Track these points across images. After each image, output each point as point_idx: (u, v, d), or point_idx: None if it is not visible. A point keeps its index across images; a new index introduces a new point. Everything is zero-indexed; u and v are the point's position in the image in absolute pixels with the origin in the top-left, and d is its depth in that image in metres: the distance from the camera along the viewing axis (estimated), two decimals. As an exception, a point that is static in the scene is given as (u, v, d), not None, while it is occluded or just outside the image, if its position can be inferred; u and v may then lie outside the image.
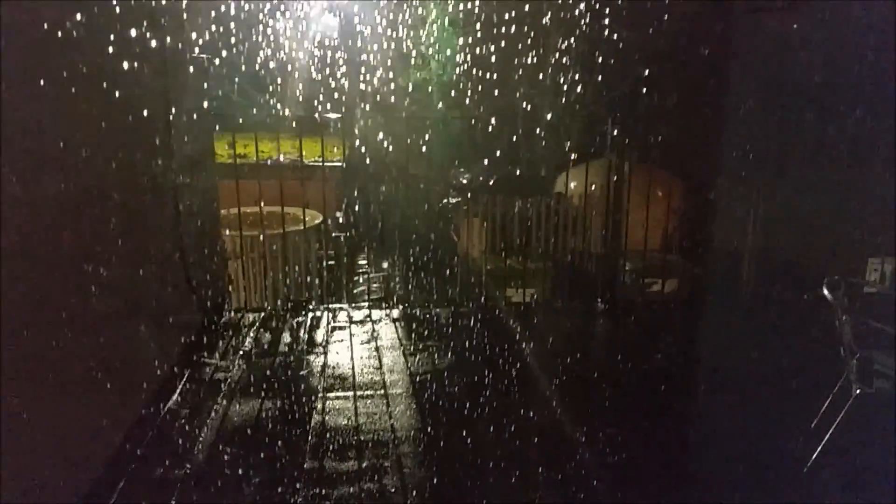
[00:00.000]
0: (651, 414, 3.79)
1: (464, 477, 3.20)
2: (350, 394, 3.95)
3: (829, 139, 5.71)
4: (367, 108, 7.08)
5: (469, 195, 6.58)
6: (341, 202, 7.02)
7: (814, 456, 3.14)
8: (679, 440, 3.54)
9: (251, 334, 4.78)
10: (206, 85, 4.87)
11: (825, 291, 3.18)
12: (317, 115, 6.27)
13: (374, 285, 6.52)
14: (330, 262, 6.11)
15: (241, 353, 4.46)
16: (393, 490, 3.07)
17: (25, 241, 2.50)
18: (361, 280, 6.67)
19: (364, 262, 6.92)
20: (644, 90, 6.06)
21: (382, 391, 3.97)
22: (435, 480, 3.18)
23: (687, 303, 5.80)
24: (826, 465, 3.13)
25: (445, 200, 7.02)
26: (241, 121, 5.82)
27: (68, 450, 2.74)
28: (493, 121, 6.89)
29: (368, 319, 5.13)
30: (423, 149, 6.60)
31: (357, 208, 7.00)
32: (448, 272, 6.30)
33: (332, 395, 3.94)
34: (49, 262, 2.71)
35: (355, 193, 7.04)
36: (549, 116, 6.88)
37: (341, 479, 3.13)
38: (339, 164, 6.55)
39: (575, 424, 3.66)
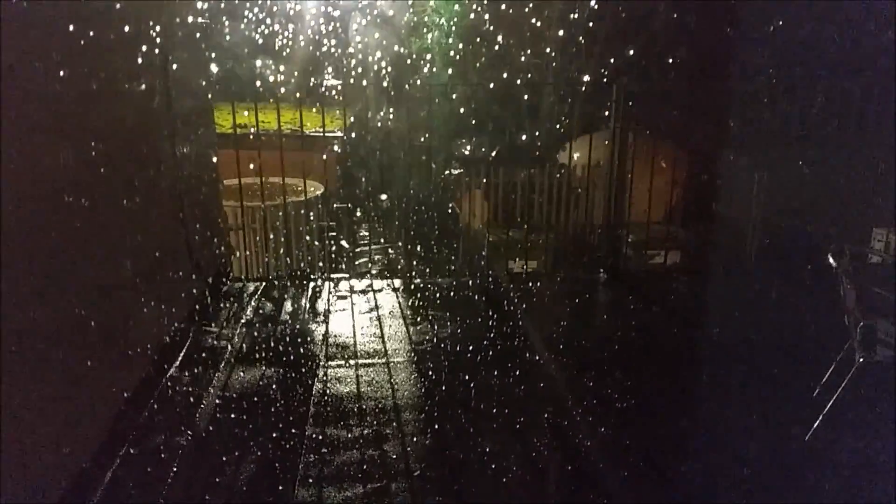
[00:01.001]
0: (650, 382, 3.79)
1: (465, 445, 3.21)
2: (352, 362, 3.94)
3: (836, 110, 5.66)
4: (369, 78, 7.00)
5: (471, 167, 6.54)
6: (342, 173, 6.98)
7: (815, 424, 3.14)
8: (679, 408, 3.54)
9: (252, 303, 4.77)
10: (205, 53, 4.81)
11: (830, 259, 3.15)
12: (317, 83, 6.21)
13: (376, 257, 6.51)
14: (331, 234, 6.09)
15: (242, 321, 4.46)
16: (394, 457, 3.07)
17: (27, 214, 2.49)
18: (363, 251, 6.66)
19: (365, 233, 6.89)
20: (649, 60, 5.99)
21: (384, 360, 3.97)
22: (436, 448, 3.19)
23: (689, 273, 5.78)
24: (828, 434, 3.13)
25: (447, 172, 6.98)
26: (241, 90, 5.76)
27: (70, 417, 2.74)
28: (495, 91, 6.81)
29: (370, 289, 5.11)
30: (425, 120, 6.54)
31: (358, 179, 6.96)
32: (450, 244, 6.28)
33: (333, 363, 3.94)
34: (51, 231, 2.70)
35: (356, 164, 6.99)
36: (552, 86, 6.80)
37: (343, 446, 3.14)
38: (340, 134, 6.49)
39: (575, 392, 3.67)
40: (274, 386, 3.68)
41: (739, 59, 6.04)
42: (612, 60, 6.20)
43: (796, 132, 5.96)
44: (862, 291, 3.19)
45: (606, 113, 6.00)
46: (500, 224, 6.11)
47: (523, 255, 5.69)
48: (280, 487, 2.86)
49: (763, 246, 5.50)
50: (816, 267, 3.79)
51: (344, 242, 6.11)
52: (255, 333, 4.30)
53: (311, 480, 2.91)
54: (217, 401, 3.50)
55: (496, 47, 7.10)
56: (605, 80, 6.26)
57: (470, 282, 5.39)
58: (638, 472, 3.04)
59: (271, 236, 5.63)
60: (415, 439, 3.21)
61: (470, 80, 7.06)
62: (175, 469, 2.95)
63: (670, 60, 6.05)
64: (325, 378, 3.77)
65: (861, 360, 3.08)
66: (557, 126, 6.92)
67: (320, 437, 3.21)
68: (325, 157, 5.87)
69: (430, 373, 3.85)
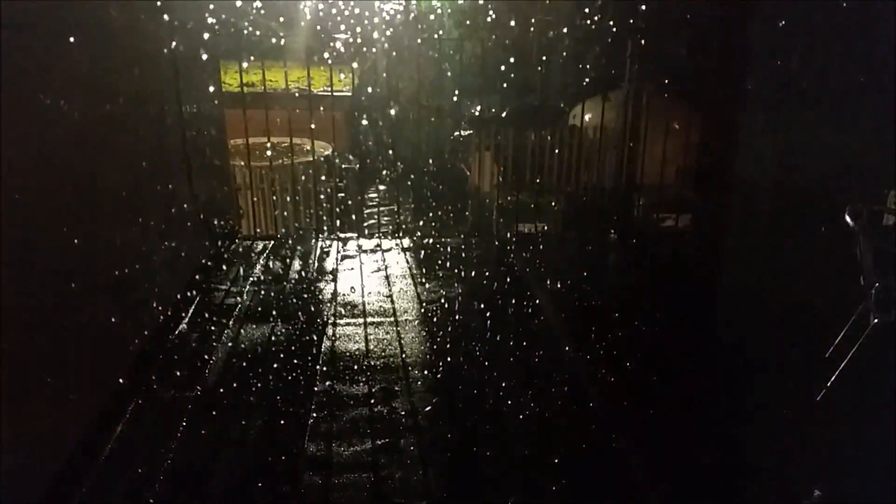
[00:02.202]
0: (658, 340, 3.77)
1: (473, 401, 3.21)
2: (360, 320, 3.94)
3: (853, 70, 5.51)
4: (377, 36, 6.87)
5: (481, 127, 6.44)
6: (350, 133, 6.90)
7: (828, 384, 3.11)
8: (688, 368, 3.53)
9: (261, 262, 4.76)
10: (211, 6, 4.72)
11: (847, 218, 3.09)
12: (325, 40, 6.10)
13: (385, 218, 6.48)
14: (340, 194, 6.05)
15: (251, 279, 4.45)
16: (403, 413, 3.08)
17: (38, 173, 2.47)
18: (372, 212, 6.62)
19: (374, 194, 6.85)
20: (664, 20, 5.84)
21: (392, 318, 3.96)
22: (445, 404, 3.19)
23: (702, 235, 5.71)
24: (841, 394, 3.11)
25: (457, 133, 6.89)
26: (248, 48, 5.68)
27: (77, 372, 2.74)
28: (507, 49, 6.67)
29: (378, 248, 5.08)
30: (435, 79, 6.44)
31: (367, 139, 6.88)
32: (459, 206, 6.23)
33: (342, 321, 3.93)
34: (62, 189, 2.67)
35: (365, 124, 6.91)
36: (565, 44, 6.66)
37: (352, 402, 3.15)
38: (348, 93, 6.40)
39: (584, 351, 3.65)
40: (282, 343, 3.68)
41: (758, 18, 5.88)
42: (628, 18, 6.04)
43: (814, 93, 5.82)
44: (878, 252, 3.14)
45: (621, 71, 5.90)
46: (510, 186, 6.04)
47: (533, 218, 5.64)
48: (289, 441, 2.88)
49: (778, 209, 5.42)
50: (832, 230, 3.73)
51: (352, 203, 6.06)
52: (264, 292, 4.30)
53: (319, 435, 2.92)
54: (226, 357, 3.51)
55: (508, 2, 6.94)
56: (620, 38, 6.11)
57: (478, 242, 5.36)
58: (646, 428, 3.04)
59: (275, 197, 5.60)
60: (423, 396, 3.22)
61: (481, 37, 6.92)
62: (184, 423, 2.96)
63: (688, 16, 5.89)
64: (333, 336, 3.77)
65: (876, 320, 3.04)
66: (570, 86, 6.79)
67: (329, 394, 3.22)
68: (332, 116, 5.79)
69: (438, 330, 3.84)
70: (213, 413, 3.07)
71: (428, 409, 3.12)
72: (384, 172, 6.55)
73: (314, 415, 3.05)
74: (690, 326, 3.96)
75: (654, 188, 5.74)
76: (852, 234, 3.12)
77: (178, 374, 3.35)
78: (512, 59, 6.15)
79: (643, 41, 5.79)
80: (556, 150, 5.87)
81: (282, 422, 3.02)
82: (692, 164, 6.24)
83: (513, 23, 6.89)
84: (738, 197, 5.58)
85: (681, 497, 2.67)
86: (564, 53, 6.75)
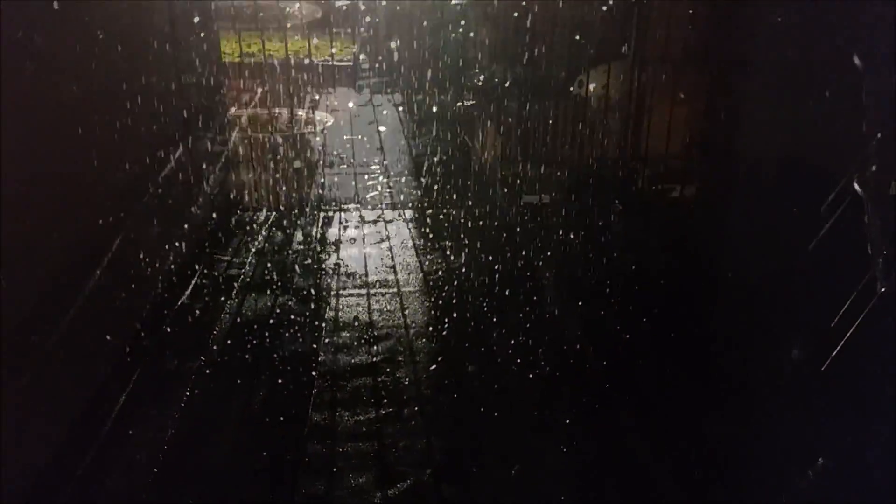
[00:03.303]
0: (661, 309, 3.75)
1: (477, 370, 3.20)
2: (363, 291, 3.92)
3: (862, 41, 5.41)
4: (380, 6, 6.77)
5: (484, 98, 6.37)
6: (351, 103, 6.83)
7: (833, 354, 3.09)
8: (691, 341, 3.51)
9: (262, 233, 4.74)
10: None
11: (855, 185, 3.05)
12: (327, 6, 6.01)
13: (387, 191, 6.43)
14: (341, 166, 6.01)
15: (253, 250, 4.43)
16: (406, 382, 3.07)
17: (38, 147, 2.45)
18: (373, 184, 6.56)
19: (376, 166, 6.79)
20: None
21: (395, 289, 3.95)
22: (448, 373, 3.18)
23: (707, 205, 5.66)
24: (846, 365, 3.09)
25: (460, 103, 6.81)
26: (249, 16, 5.60)
27: (81, 341, 2.74)
28: (509, 17, 6.57)
29: (381, 219, 5.05)
30: (437, 48, 6.34)
31: (369, 110, 6.81)
32: (462, 177, 6.17)
33: (344, 292, 3.92)
34: (64, 165, 2.66)
35: (365, 94, 6.84)
36: (568, 12, 6.56)
37: (356, 372, 3.15)
38: (350, 63, 6.32)
39: (585, 322, 3.64)
40: (285, 314, 3.67)
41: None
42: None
43: (822, 63, 5.73)
44: (886, 220, 3.10)
45: (626, 41, 5.81)
46: (514, 158, 5.98)
47: (536, 189, 5.59)
48: (293, 411, 2.88)
49: (784, 180, 5.36)
50: (839, 200, 3.68)
51: (352, 175, 6.01)
52: (265, 262, 4.28)
53: (323, 405, 2.92)
54: (228, 327, 3.50)
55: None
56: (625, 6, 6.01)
57: (481, 212, 5.32)
58: (647, 398, 3.03)
59: (272, 166, 5.55)
60: (426, 365, 3.21)
61: (484, 8, 6.81)
62: (187, 392, 2.97)
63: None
64: (337, 306, 3.75)
65: (883, 289, 3.01)
66: (574, 55, 6.69)
67: (333, 363, 3.21)
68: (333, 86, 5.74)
69: (441, 300, 3.83)
70: (215, 382, 3.07)
71: (431, 378, 3.12)
72: (385, 143, 6.49)
73: (318, 384, 3.05)
74: (688, 294, 3.94)
75: (658, 159, 5.68)
76: (861, 201, 3.08)
77: (180, 343, 3.34)
78: (515, 29, 6.06)
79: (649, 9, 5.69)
80: (560, 121, 5.79)
81: (285, 391, 3.02)
82: (698, 135, 6.18)
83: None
84: (744, 167, 5.53)
85: (684, 468, 2.67)
86: (568, 22, 6.64)
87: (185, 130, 4.24)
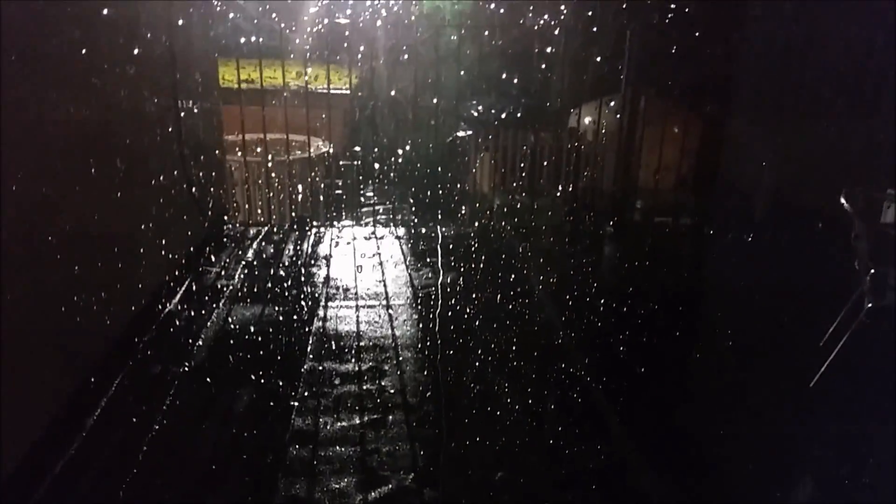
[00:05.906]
0: (656, 328, 3.74)
1: (462, 380, 3.17)
2: (352, 303, 3.90)
3: (850, 80, 5.53)
4: (377, 36, 6.91)
5: (480, 129, 6.45)
6: (348, 131, 6.91)
7: (821, 370, 3.08)
8: (684, 355, 3.50)
9: (254, 246, 4.74)
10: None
11: (843, 201, 3.08)
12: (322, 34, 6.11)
13: (381, 217, 6.45)
14: (337, 192, 6.05)
15: (243, 263, 4.42)
16: (392, 391, 3.04)
17: (39, 164, 2.50)
18: (367, 211, 6.60)
19: (371, 193, 6.83)
20: (663, 26, 5.89)
21: (385, 301, 3.93)
22: (433, 384, 3.15)
23: (698, 234, 5.70)
24: (834, 381, 3.07)
25: (455, 134, 6.89)
26: (247, 45, 5.69)
27: (68, 343, 2.72)
28: (506, 52, 6.71)
29: (373, 236, 5.07)
30: (434, 80, 6.43)
31: (366, 138, 6.88)
32: (455, 207, 6.21)
33: (333, 303, 3.90)
34: (62, 179, 2.70)
35: (362, 123, 6.92)
36: (564, 48, 6.70)
37: (341, 380, 3.11)
38: (346, 91, 6.40)
39: (576, 342, 3.62)
40: (272, 323, 3.64)
41: (753, 26, 5.92)
42: (626, 22, 6.08)
43: (811, 100, 5.84)
44: (873, 238, 3.12)
45: (620, 76, 5.91)
46: (508, 188, 6.04)
47: (529, 219, 5.61)
48: (278, 416, 2.83)
49: (773, 213, 5.41)
50: (827, 232, 3.72)
51: (349, 201, 6.04)
52: (255, 274, 4.27)
53: (307, 411, 2.87)
54: (215, 334, 3.47)
55: (508, 5, 6.98)
56: (620, 43, 6.14)
57: (473, 235, 5.34)
58: (641, 414, 3.00)
59: (268, 190, 5.59)
60: (412, 375, 3.18)
61: (480, 41, 6.96)
62: (170, 397, 2.92)
63: (686, 14, 5.93)
64: (325, 317, 3.73)
65: (870, 305, 3.01)
66: (568, 89, 6.82)
67: (319, 371, 3.18)
68: (329, 114, 5.80)
69: (428, 314, 3.81)
70: (200, 387, 3.03)
71: (416, 387, 3.08)
72: (380, 172, 6.54)
73: (302, 391, 3.01)
74: (686, 316, 3.93)
75: (651, 192, 5.74)
76: (849, 218, 3.10)
77: (166, 350, 3.31)
78: (512, 62, 6.19)
79: (641, 47, 5.82)
80: (554, 153, 5.87)
81: (269, 398, 2.98)
82: (690, 169, 6.25)
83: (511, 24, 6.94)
84: (734, 197, 5.59)
85: (677, 479, 2.62)
86: (563, 58, 6.79)
87: (181, 150, 4.26)
